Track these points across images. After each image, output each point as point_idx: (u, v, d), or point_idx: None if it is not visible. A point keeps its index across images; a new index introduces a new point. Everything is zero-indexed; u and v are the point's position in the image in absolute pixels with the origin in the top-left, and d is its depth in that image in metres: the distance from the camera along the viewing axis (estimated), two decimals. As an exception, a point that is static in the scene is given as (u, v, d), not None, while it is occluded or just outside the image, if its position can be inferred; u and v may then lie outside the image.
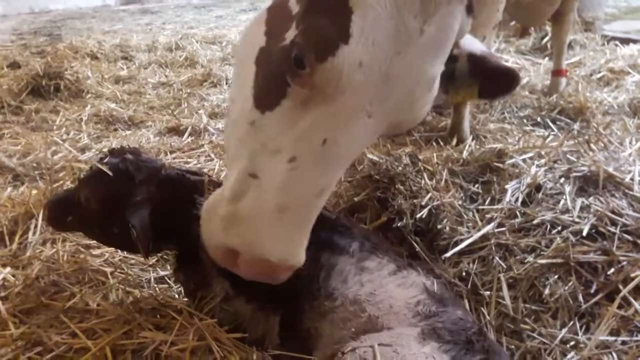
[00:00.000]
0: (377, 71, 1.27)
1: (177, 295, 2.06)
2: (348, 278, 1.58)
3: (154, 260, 2.28)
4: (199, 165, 3.16)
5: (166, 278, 2.17)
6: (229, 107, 1.62)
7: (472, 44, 1.80)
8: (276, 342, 1.65)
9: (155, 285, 2.11)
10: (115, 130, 4.14)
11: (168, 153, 3.37)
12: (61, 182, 2.78)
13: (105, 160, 1.88)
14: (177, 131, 3.91)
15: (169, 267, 2.23)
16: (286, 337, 1.63)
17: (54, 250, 2.22)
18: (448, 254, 2.12)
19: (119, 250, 2.29)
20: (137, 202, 1.79)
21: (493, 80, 1.81)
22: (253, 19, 1.59)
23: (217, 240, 1.45)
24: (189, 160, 3.24)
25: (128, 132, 4.05)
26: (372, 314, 1.47)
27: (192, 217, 1.63)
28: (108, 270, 2.12)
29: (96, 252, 2.28)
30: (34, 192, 2.65)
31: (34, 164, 3.19)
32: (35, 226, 2.38)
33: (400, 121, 1.46)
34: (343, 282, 1.57)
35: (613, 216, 2.03)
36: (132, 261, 2.27)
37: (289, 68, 1.29)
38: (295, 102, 1.34)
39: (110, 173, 1.82)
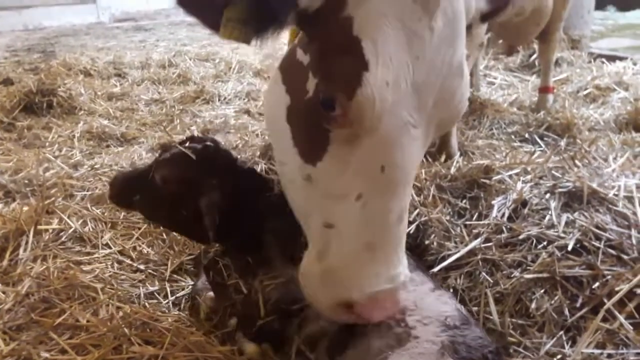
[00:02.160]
0: (404, 83, 1.27)
1: (167, 310, 2.07)
2: None
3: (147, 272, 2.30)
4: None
5: (155, 294, 2.18)
6: (280, 171, 1.64)
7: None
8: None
9: (145, 301, 2.12)
10: (108, 146, 4.16)
11: (160, 169, 3.37)
12: (53, 198, 2.79)
13: (187, 145, 1.92)
14: (169, 148, 3.92)
15: (157, 283, 2.24)
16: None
17: (44, 267, 2.22)
18: (435, 269, 2.15)
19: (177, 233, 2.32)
20: (211, 186, 1.85)
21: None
22: (270, 83, 1.61)
23: (326, 300, 1.44)
24: (180, 176, 3.25)
25: (120, 149, 4.06)
26: (409, 324, 1.49)
27: (260, 208, 1.77)
28: (98, 286, 2.12)
29: (86, 268, 2.28)
30: (25, 208, 2.66)
31: (26, 181, 3.19)
32: (26, 243, 2.38)
33: (446, 118, 1.45)
34: None
35: (597, 231, 2.06)
36: (123, 277, 2.27)
37: (322, 116, 1.30)
38: (341, 144, 1.34)
39: (193, 156, 1.87)
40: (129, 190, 1.95)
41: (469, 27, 1.46)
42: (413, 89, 1.29)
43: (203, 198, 1.82)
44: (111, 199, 2.10)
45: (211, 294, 2.06)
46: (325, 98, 1.28)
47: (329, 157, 1.37)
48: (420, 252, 2.25)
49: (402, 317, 1.50)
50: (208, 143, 1.98)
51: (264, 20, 1.27)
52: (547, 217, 2.20)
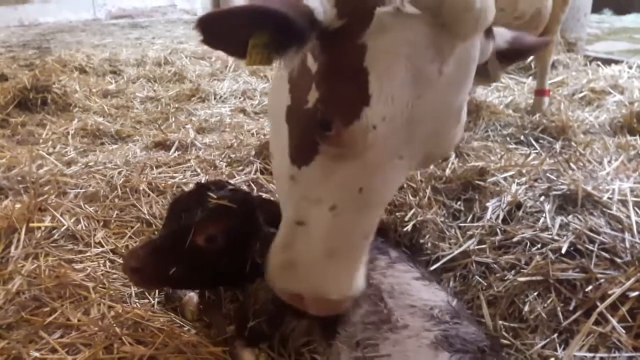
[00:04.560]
0: (400, 119, 1.30)
1: (158, 310, 2.06)
2: (376, 268, 1.72)
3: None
4: (184, 181, 3.16)
5: (147, 293, 2.17)
6: (272, 162, 1.71)
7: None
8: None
9: (137, 300, 2.11)
10: (102, 144, 4.13)
11: (154, 168, 3.36)
12: (45, 196, 2.77)
13: (216, 196, 1.82)
14: (164, 146, 3.91)
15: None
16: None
17: (36, 265, 2.20)
18: (430, 269, 2.14)
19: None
20: (258, 227, 1.85)
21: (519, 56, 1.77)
22: (277, 73, 1.64)
23: (280, 285, 1.56)
24: (174, 175, 3.24)
25: (115, 146, 4.04)
26: (389, 306, 1.59)
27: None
28: (90, 285, 2.10)
29: (78, 266, 2.27)
30: (18, 206, 2.63)
31: (19, 178, 3.16)
32: (18, 240, 2.36)
33: (432, 154, 1.51)
34: (371, 269, 1.70)
35: (591, 234, 2.07)
36: (115, 275, 2.26)
37: (316, 131, 1.34)
38: (327, 158, 1.39)
39: (234, 205, 1.81)
40: (162, 265, 1.74)
41: (485, 64, 1.50)
42: (408, 124, 1.32)
43: (257, 240, 1.79)
44: (142, 285, 1.93)
45: (193, 294, 2.05)
46: (323, 119, 1.32)
47: (314, 165, 1.42)
48: (414, 252, 2.25)
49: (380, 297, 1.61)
50: (229, 186, 1.93)
51: (288, 42, 1.28)
52: (541, 220, 2.21)
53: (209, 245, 1.78)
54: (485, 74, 1.57)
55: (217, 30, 1.24)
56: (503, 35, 1.60)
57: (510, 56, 1.62)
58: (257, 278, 1.78)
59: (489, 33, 1.44)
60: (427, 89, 1.30)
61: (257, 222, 1.87)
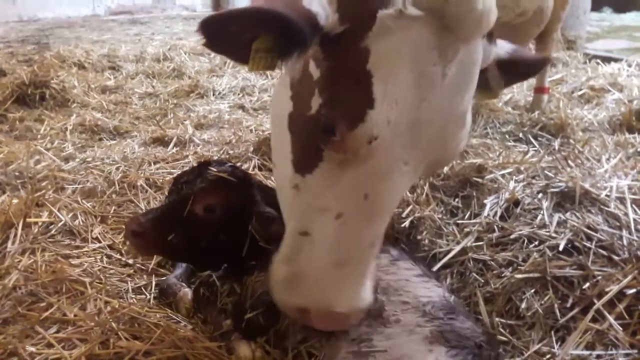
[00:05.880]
0: (405, 123, 1.29)
1: (153, 303, 2.06)
2: (378, 266, 1.67)
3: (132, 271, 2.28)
4: (182, 176, 3.15)
5: (144, 288, 2.16)
6: (274, 172, 1.67)
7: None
8: None
9: (134, 296, 2.10)
10: (100, 140, 4.13)
11: (152, 163, 3.36)
12: (43, 191, 2.77)
13: (216, 170, 1.88)
14: (162, 142, 3.90)
15: (146, 278, 2.22)
16: None
17: (32, 260, 2.20)
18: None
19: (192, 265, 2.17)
20: (256, 203, 1.86)
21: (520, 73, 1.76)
22: (279, 81, 1.62)
23: (284, 299, 1.50)
24: (172, 171, 3.23)
25: (113, 142, 4.03)
26: (382, 302, 1.58)
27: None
28: (87, 280, 2.10)
29: (75, 261, 2.26)
30: (15, 201, 2.63)
31: (16, 173, 3.15)
32: (15, 235, 2.35)
33: (437, 160, 1.48)
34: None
35: (589, 231, 2.07)
36: (111, 271, 2.25)
37: (320, 136, 1.32)
38: (332, 164, 1.37)
39: (233, 179, 1.85)
40: (162, 232, 1.82)
41: (484, 71, 1.48)
42: (413, 128, 1.31)
43: (256, 215, 1.81)
44: (139, 251, 1.97)
45: (187, 290, 2.05)
46: (327, 124, 1.30)
47: (318, 173, 1.39)
48: (411, 249, 2.25)
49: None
50: (229, 164, 1.97)
51: (291, 46, 1.27)
52: (539, 217, 2.20)
53: (207, 215, 1.83)
54: (485, 86, 1.56)
55: (219, 32, 1.22)
56: (504, 47, 1.59)
57: (509, 68, 1.60)
58: (255, 262, 1.80)
59: (490, 38, 1.44)
60: (431, 92, 1.29)
61: (255, 199, 1.88)
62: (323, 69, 1.36)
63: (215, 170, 1.89)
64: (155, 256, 2.35)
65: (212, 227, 1.84)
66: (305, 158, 1.42)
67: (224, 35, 1.23)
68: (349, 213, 1.37)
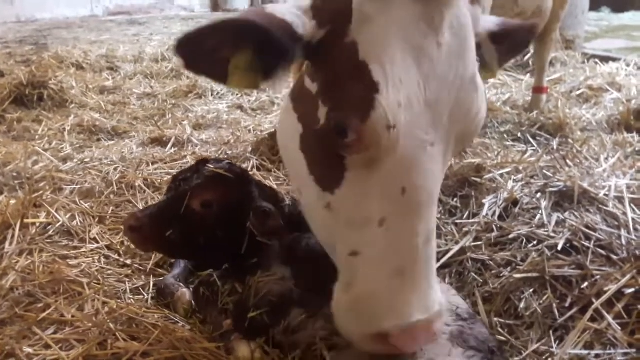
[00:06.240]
0: (417, 103, 1.24)
1: (151, 303, 2.05)
2: None
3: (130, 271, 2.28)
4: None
5: (141, 289, 2.16)
6: (300, 200, 1.58)
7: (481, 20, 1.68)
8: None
9: (132, 296, 2.10)
10: (98, 140, 4.12)
11: (150, 164, 3.35)
12: (41, 192, 2.76)
13: (213, 167, 1.89)
14: (160, 142, 3.90)
15: (144, 278, 2.22)
16: None
17: (30, 261, 2.19)
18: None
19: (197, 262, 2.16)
20: (254, 198, 1.87)
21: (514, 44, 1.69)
22: (282, 111, 1.58)
23: (357, 332, 1.37)
24: (170, 171, 3.22)
25: (111, 143, 4.03)
26: None
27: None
28: (84, 280, 2.09)
29: (73, 262, 2.26)
30: (13, 201, 2.62)
31: (14, 174, 3.15)
32: (12, 236, 2.35)
33: (464, 133, 1.40)
34: None
35: (587, 231, 2.07)
36: (109, 272, 2.25)
37: (336, 143, 1.27)
38: (358, 169, 1.30)
39: (231, 175, 1.86)
40: (160, 227, 1.82)
41: (479, 47, 1.44)
42: (427, 106, 1.26)
43: (253, 211, 1.82)
44: (138, 246, 1.97)
45: (185, 290, 2.05)
46: (338, 125, 1.25)
47: (347, 183, 1.32)
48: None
49: None
50: (227, 161, 1.97)
51: (272, 61, 1.24)
52: (538, 217, 2.21)
53: (205, 210, 1.83)
54: (481, 63, 1.52)
55: (197, 51, 1.20)
56: (493, 20, 1.55)
57: (502, 40, 1.55)
58: (256, 260, 1.80)
59: (473, 1, 1.39)
60: (431, 65, 1.25)
61: (252, 196, 1.89)
62: (319, 80, 1.34)
63: (212, 167, 1.90)
64: (153, 256, 2.35)
65: (209, 223, 1.84)
66: (329, 173, 1.35)
67: (202, 53, 1.20)
68: (391, 215, 1.29)
